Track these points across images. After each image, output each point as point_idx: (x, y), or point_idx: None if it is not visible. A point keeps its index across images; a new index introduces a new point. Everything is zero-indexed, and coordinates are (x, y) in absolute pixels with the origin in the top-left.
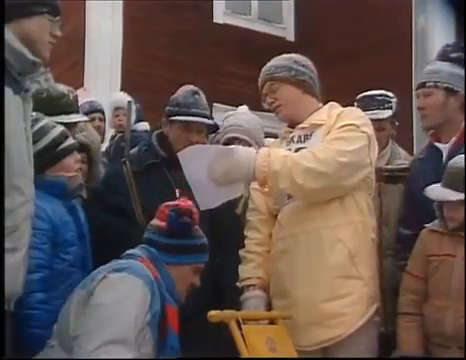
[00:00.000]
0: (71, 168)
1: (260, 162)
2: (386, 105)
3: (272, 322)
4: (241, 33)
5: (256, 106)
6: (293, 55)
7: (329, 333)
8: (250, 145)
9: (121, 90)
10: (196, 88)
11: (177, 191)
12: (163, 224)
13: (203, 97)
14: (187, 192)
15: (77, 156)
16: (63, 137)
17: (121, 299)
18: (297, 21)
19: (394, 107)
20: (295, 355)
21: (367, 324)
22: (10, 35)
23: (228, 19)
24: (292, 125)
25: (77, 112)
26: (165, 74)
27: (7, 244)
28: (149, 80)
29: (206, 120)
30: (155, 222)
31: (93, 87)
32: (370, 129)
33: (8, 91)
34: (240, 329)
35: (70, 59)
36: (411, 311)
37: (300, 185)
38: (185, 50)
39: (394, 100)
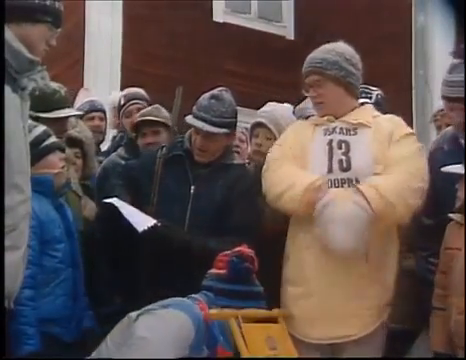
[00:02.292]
0: (56, 165)
1: None
2: (362, 95)
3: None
4: (241, 32)
5: (255, 104)
6: (344, 50)
7: (343, 331)
8: (273, 135)
9: (121, 88)
10: (217, 92)
11: (192, 188)
12: (223, 271)
13: (224, 102)
14: (203, 190)
15: (61, 155)
16: (46, 135)
17: (164, 336)
18: (297, 20)
19: (374, 98)
20: (295, 355)
21: (379, 326)
22: (9, 34)
23: (228, 18)
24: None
25: (69, 107)
26: (165, 73)
27: (7, 242)
28: (149, 79)
29: (206, 126)
30: (213, 271)
31: (93, 86)
32: None
33: (7, 89)
34: (240, 327)
35: (70, 58)
36: (437, 306)
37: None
38: (185, 49)
39: (376, 92)
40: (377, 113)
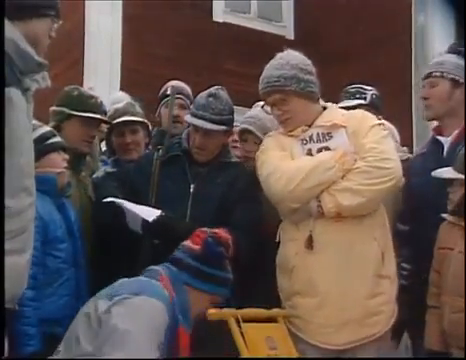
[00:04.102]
0: (58, 165)
1: None
2: (357, 96)
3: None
4: (241, 31)
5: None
6: (297, 60)
7: (367, 331)
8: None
9: (121, 88)
10: (214, 91)
11: (192, 186)
12: (197, 247)
13: (221, 100)
14: (202, 189)
15: (64, 155)
16: (50, 134)
17: (145, 327)
18: (297, 19)
19: (368, 98)
20: (295, 355)
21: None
22: (17, 34)
23: (228, 17)
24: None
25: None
26: (164, 72)
27: (15, 245)
28: (148, 78)
29: (206, 124)
30: (188, 244)
31: (93, 85)
32: None
33: (16, 92)
34: (240, 327)
35: (70, 57)
36: (430, 304)
37: None
38: (185, 48)
39: (370, 92)
40: (343, 111)
